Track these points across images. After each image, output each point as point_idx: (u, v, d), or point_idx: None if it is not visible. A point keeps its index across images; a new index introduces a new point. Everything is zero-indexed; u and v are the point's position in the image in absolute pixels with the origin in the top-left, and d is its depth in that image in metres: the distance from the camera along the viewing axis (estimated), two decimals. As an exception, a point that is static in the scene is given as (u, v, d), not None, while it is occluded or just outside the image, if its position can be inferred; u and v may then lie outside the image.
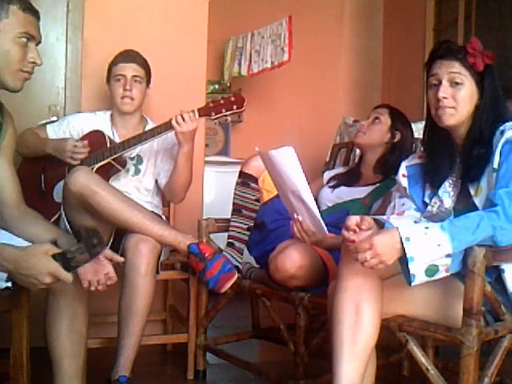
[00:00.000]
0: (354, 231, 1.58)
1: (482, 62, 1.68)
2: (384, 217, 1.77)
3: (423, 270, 1.49)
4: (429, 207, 1.76)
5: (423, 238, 1.49)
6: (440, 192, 1.75)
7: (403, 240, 1.48)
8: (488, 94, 1.70)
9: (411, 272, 1.49)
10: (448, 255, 1.49)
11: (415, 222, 1.77)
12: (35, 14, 1.65)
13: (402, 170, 1.86)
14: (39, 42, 1.69)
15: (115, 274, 1.74)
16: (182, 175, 2.48)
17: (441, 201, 1.74)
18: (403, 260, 1.50)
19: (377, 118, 2.45)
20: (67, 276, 1.47)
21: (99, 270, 1.69)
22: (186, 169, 2.47)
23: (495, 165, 1.62)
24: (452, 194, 1.74)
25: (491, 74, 1.70)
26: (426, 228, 1.52)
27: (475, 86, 1.70)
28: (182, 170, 2.46)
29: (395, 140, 2.44)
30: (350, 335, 1.55)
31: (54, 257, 1.47)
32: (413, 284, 1.50)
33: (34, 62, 1.65)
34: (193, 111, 2.36)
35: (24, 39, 1.62)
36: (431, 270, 1.50)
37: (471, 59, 1.68)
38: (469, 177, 1.70)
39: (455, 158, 1.76)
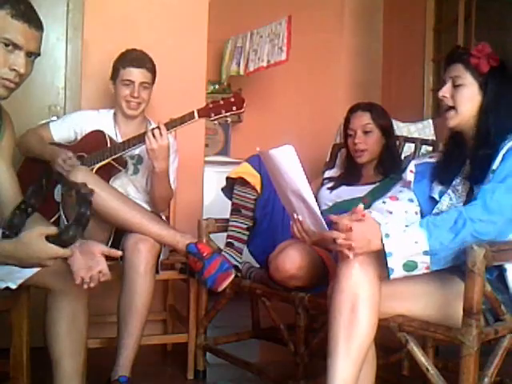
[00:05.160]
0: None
1: (486, 64, 1.70)
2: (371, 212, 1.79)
3: (401, 264, 1.55)
4: (438, 204, 1.78)
5: (402, 235, 1.56)
6: (450, 190, 1.77)
7: (383, 236, 1.55)
8: (491, 95, 1.71)
9: (389, 266, 1.55)
10: (426, 253, 1.54)
11: (405, 212, 1.81)
12: (29, 22, 1.57)
13: (411, 166, 1.90)
14: (36, 54, 1.63)
15: (109, 271, 1.74)
16: (156, 191, 2.46)
17: (450, 199, 1.77)
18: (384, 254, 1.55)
19: (367, 131, 2.45)
20: (66, 252, 1.49)
21: (93, 267, 1.69)
22: (161, 187, 2.44)
23: (494, 166, 1.64)
24: (461, 192, 1.76)
25: (496, 77, 1.71)
26: (406, 226, 1.59)
27: (478, 87, 1.71)
28: (155, 187, 2.44)
29: (389, 137, 2.49)
30: (345, 334, 1.56)
31: (48, 238, 1.47)
32: (391, 277, 1.56)
33: (15, 70, 1.58)
34: (190, 113, 2.35)
35: (6, 43, 1.55)
36: (409, 266, 1.55)
37: (474, 61, 1.70)
38: (473, 178, 1.71)
39: (465, 159, 1.78)
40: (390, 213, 1.81)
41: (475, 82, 1.71)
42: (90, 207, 1.53)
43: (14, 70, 1.58)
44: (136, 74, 2.50)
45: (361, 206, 1.64)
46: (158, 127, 2.31)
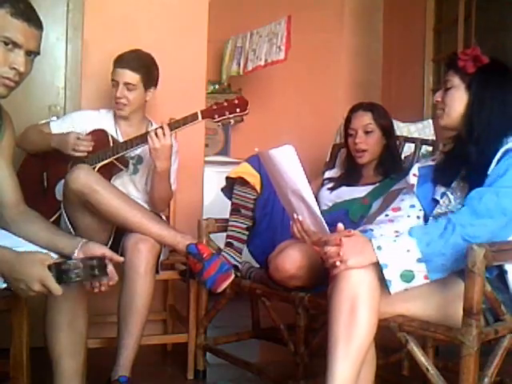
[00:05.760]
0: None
1: (472, 66, 1.72)
2: (369, 226, 1.81)
3: (398, 275, 1.56)
4: (437, 207, 1.80)
5: (393, 245, 1.58)
6: (449, 192, 1.78)
7: (375, 249, 1.57)
8: (476, 94, 1.72)
9: (386, 278, 1.56)
10: (419, 260, 1.55)
11: (408, 216, 1.83)
12: (28, 20, 1.57)
13: (414, 169, 1.90)
14: (35, 53, 1.63)
15: (116, 273, 1.74)
16: (157, 191, 2.47)
17: (449, 200, 1.77)
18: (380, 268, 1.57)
19: (368, 131, 2.45)
20: (56, 288, 1.47)
21: None
22: (161, 187, 2.45)
23: (489, 171, 1.66)
24: (459, 194, 1.76)
25: (482, 76, 1.72)
26: (397, 236, 1.62)
27: (465, 88, 1.74)
28: (156, 187, 2.45)
29: (389, 137, 2.49)
30: (344, 334, 1.55)
31: (49, 267, 1.46)
32: (391, 291, 1.56)
33: (15, 69, 1.58)
34: (193, 114, 2.35)
35: (6, 42, 1.55)
36: (407, 276, 1.56)
37: (461, 63, 1.74)
38: (471, 181, 1.73)
39: (463, 161, 1.79)
40: (392, 221, 1.82)
41: (462, 83, 1.75)
42: (105, 276, 1.57)
43: (14, 68, 1.58)
44: (119, 75, 2.49)
45: (340, 225, 1.68)
46: (162, 127, 2.32)
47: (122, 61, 2.50)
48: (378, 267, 1.58)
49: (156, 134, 2.30)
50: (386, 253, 1.56)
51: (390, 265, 1.56)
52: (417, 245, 1.55)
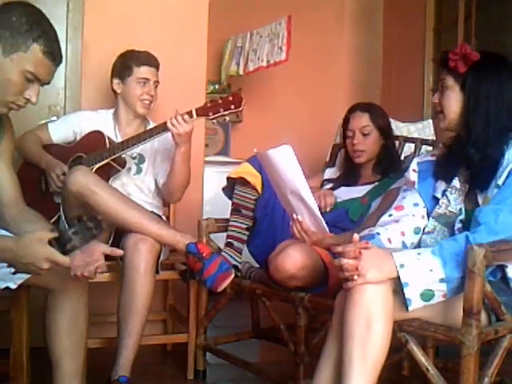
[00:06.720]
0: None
1: (463, 65, 1.71)
2: (375, 229, 1.78)
3: (418, 294, 1.54)
4: (436, 207, 1.78)
5: (416, 264, 1.55)
6: (448, 192, 1.77)
7: (397, 267, 1.54)
8: (470, 94, 1.71)
9: (407, 296, 1.54)
10: (442, 280, 1.54)
11: (413, 216, 1.80)
12: (54, 60, 1.62)
13: (414, 165, 1.89)
14: (47, 83, 1.67)
15: (106, 268, 1.75)
16: (179, 176, 2.47)
17: (448, 201, 1.76)
18: (400, 286, 1.54)
19: (366, 133, 2.45)
20: (65, 260, 1.50)
21: (90, 264, 1.70)
22: (183, 169, 2.46)
23: (500, 181, 1.65)
24: (458, 195, 1.76)
25: (474, 75, 1.70)
26: (419, 254, 1.58)
27: (459, 88, 1.73)
28: (178, 171, 2.46)
29: (387, 137, 2.50)
30: (360, 351, 1.51)
31: (50, 242, 1.48)
32: (410, 309, 1.55)
33: (28, 100, 1.62)
34: (189, 112, 2.36)
35: (29, 78, 1.59)
36: (427, 295, 1.55)
37: (451, 63, 1.72)
38: (475, 185, 1.72)
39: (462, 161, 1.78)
40: (397, 221, 1.81)
41: (456, 84, 1.73)
42: (101, 231, 1.57)
43: (27, 99, 1.62)
44: (151, 73, 2.56)
45: (356, 236, 1.62)
46: (181, 115, 2.33)
47: (150, 59, 2.57)
48: (394, 281, 1.55)
49: (177, 121, 2.33)
50: (409, 271, 1.53)
51: (411, 283, 1.53)
52: (441, 266, 1.53)
